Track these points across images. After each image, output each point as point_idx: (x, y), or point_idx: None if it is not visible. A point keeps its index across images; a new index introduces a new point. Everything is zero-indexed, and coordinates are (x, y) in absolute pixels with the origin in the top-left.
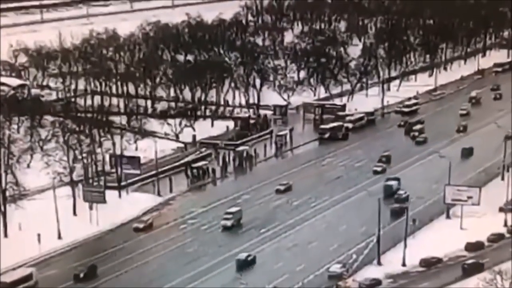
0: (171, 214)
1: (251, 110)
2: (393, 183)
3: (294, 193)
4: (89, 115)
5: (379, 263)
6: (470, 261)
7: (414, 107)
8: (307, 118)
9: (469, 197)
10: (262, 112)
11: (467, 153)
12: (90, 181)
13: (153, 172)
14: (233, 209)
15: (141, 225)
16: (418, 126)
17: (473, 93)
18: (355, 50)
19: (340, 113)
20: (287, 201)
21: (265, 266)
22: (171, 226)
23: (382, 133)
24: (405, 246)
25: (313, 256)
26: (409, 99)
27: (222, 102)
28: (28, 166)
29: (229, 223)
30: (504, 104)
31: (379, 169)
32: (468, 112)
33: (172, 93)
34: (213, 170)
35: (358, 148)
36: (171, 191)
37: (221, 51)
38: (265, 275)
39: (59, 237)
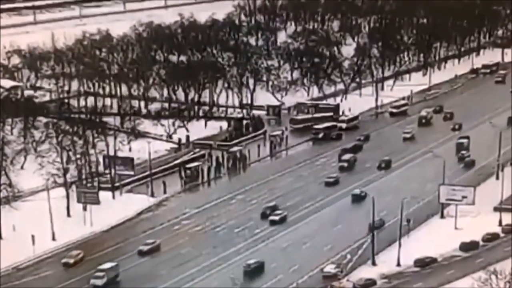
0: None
1: (244, 111)
2: (464, 141)
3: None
4: (82, 116)
5: (373, 263)
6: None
7: (402, 108)
8: None
9: (464, 197)
10: (255, 112)
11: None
12: (84, 182)
13: (147, 173)
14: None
15: (71, 260)
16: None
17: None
18: (348, 49)
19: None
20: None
21: None
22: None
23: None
24: (400, 246)
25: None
26: (403, 98)
27: (215, 103)
28: (22, 167)
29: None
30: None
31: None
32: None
33: (165, 94)
34: (208, 171)
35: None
36: (164, 192)
37: (214, 52)
38: None
39: (53, 238)
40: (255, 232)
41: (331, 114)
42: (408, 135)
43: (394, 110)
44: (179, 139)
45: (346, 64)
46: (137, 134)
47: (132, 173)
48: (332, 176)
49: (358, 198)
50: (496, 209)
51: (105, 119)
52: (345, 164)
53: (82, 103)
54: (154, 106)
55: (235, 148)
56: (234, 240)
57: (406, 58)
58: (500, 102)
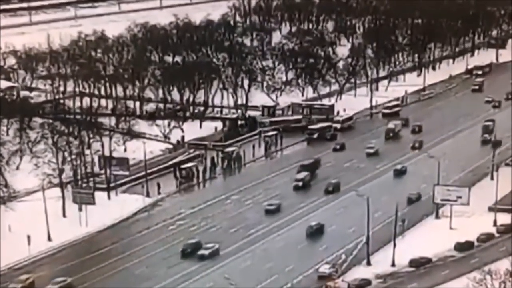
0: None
1: (239, 111)
2: (490, 123)
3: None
4: (78, 116)
5: (368, 263)
6: None
7: (395, 109)
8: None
9: (459, 197)
10: (250, 112)
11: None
12: (79, 182)
13: (142, 173)
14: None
15: (18, 286)
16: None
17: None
18: (343, 50)
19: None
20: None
21: None
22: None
23: (368, 134)
24: (394, 246)
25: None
26: (398, 98)
27: (210, 103)
28: (18, 168)
29: None
30: None
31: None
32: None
33: (160, 94)
34: (203, 171)
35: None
36: (158, 192)
37: (209, 52)
38: None
39: (49, 238)
40: (250, 232)
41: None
42: (371, 150)
43: (387, 111)
44: (178, 141)
45: (340, 64)
46: (132, 135)
47: (127, 173)
48: (273, 203)
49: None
50: (490, 209)
51: (100, 119)
52: (300, 184)
53: (78, 103)
54: (149, 107)
55: (230, 149)
56: (229, 240)
57: (401, 59)
58: (477, 112)
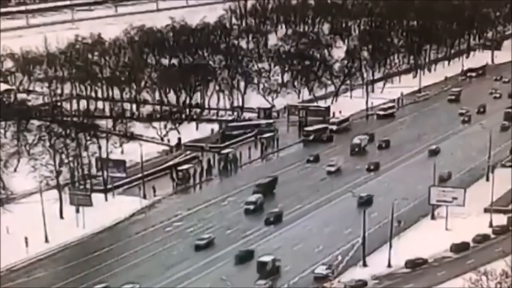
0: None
1: (235, 113)
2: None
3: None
4: (75, 119)
5: (364, 265)
6: None
7: (389, 111)
8: (291, 120)
9: (454, 198)
10: (246, 114)
11: None
12: (77, 184)
13: (139, 175)
14: None
15: None
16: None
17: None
18: (339, 52)
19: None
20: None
21: None
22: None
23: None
24: (390, 247)
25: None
26: (393, 100)
27: (206, 105)
28: (15, 170)
29: None
30: None
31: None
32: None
33: (157, 97)
34: (200, 173)
35: (342, 149)
36: (154, 194)
37: (206, 55)
38: None
39: (46, 240)
40: (246, 234)
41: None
42: (332, 169)
43: (381, 113)
44: (177, 143)
45: (336, 66)
46: (129, 137)
47: (124, 175)
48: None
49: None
50: (486, 210)
51: (97, 122)
52: (251, 207)
53: (75, 106)
54: (146, 109)
55: (226, 150)
56: (226, 242)
57: (396, 61)
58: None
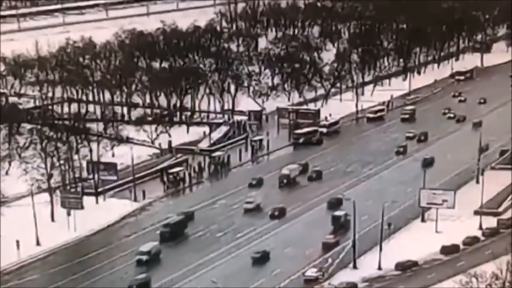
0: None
1: (226, 116)
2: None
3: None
4: (66, 122)
5: (354, 267)
6: None
7: (379, 114)
8: (282, 123)
9: (444, 201)
10: (237, 117)
11: None
12: (68, 187)
13: (130, 178)
14: None
15: None
16: None
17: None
18: (328, 55)
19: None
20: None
21: None
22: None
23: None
24: (381, 249)
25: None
26: (383, 103)
27: (197, 108)
28: (7, 173)
29: None
30: None
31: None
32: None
33: (148, 100)
34: (190, 176)
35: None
36: (143, 197)
37: (196, 58)
38: None
39: (38, 243)
40: (237, 236)
41: None
42: (250, 206)
43: (371, 115)
44: (169, 146)
45: (326, 69)
46: (120, 140)
47: (115, 178)
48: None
49: None
50: (476, 212)
51: (88, 125)
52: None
53: (66, 109)
54: (137, 112)
55: (217, 153)
56: (216, 244)
57: (386, 63)
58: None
